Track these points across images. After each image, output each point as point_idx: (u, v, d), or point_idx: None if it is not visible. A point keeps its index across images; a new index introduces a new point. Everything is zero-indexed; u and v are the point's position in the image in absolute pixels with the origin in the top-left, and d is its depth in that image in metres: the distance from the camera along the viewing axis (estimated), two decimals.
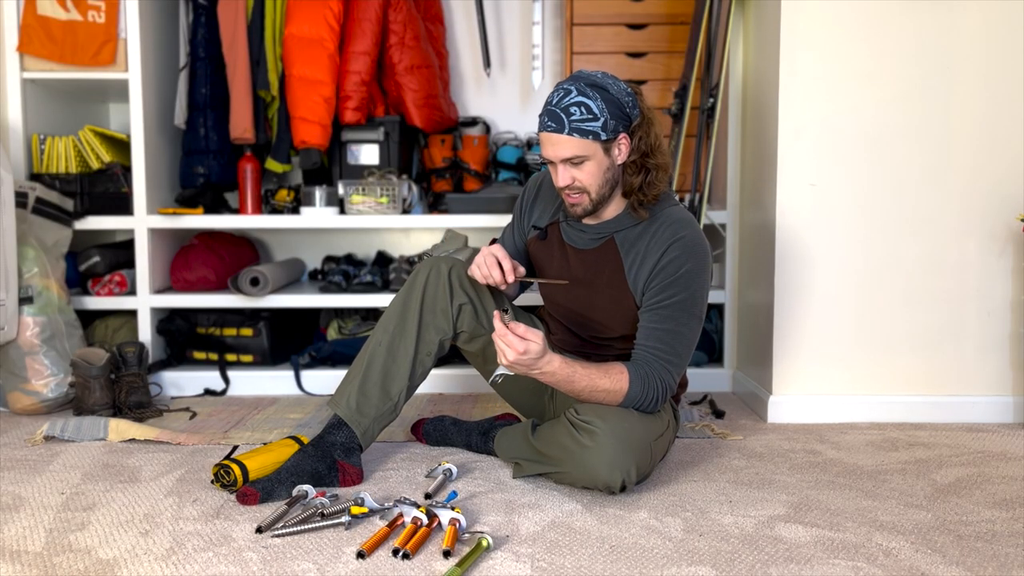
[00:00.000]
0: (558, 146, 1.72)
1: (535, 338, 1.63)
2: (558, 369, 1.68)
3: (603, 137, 1.71)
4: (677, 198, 1.96)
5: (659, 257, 1.77)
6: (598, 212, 1.83)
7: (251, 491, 1.70)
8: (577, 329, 1.95)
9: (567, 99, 1.70)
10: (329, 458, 1.80)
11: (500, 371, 1.75)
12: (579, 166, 1.74)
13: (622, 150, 1.76)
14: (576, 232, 1.89)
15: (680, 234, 1.77)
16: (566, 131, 1.70)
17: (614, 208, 1.84)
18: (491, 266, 1.83)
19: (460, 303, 1.90)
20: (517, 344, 1.61)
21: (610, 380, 1.72)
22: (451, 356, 2.72)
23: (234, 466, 1.77)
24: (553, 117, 1.71)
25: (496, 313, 1.64)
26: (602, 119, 1.70)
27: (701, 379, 2.79)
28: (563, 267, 1.92)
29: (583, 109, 1.69)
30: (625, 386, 1.72)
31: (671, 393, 1.79)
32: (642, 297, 1.80)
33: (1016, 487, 1.82)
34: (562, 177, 1.75)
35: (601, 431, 1.67)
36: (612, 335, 1.90)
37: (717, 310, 2.93)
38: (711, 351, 2.91)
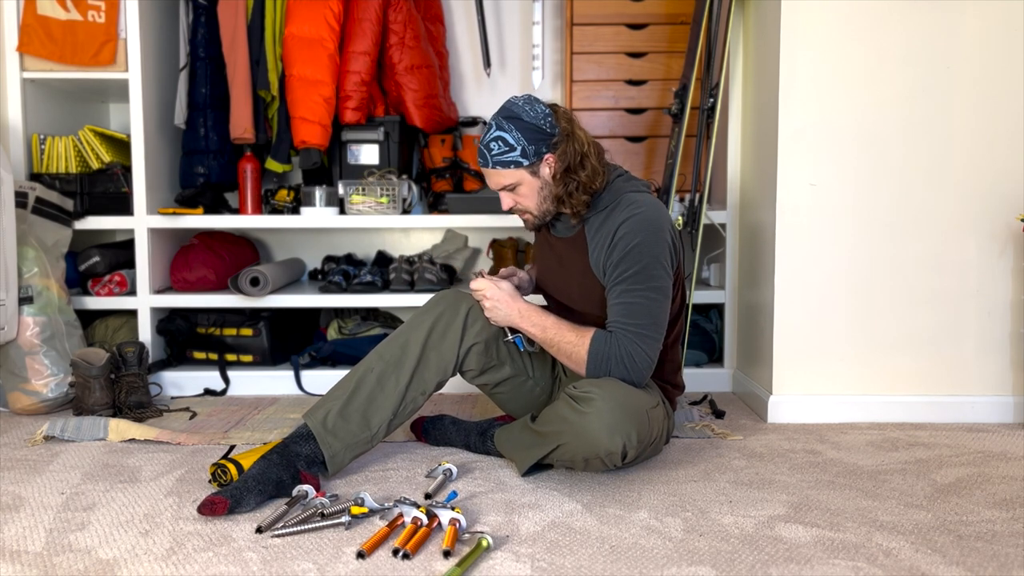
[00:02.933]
0: (490, 178, 1.90)
1: (502, 281, 1.90)
2: (535, 310, 1.88)
3: (525, 163, 1.85)
4: (652, 188, 2.05)
5: (613, 235, 1.84)
6: (556, 217, 1.96)
7: (219, 499, 1.62)
8: (565, 316, 1.98)
9: (487, 136, 1.86)
10: (293, 468, 1.76)
11: (509, 337, 1.95)
12: (515, 191, 1.90)
13: (552, 167, 1.87)
14: (560, 224, 1.99)
15: (634, 212, 1.84)
16: (490, 165, 1.87)
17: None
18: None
19: (471, 344, 1.93)
20: (489, 283, 1.88)
21: (576, 334, 1.83)
22: None
23: (230, 466, 1.77)
24: (480, 154, 1.88)
25: (473, 276, 1.94)
26: (519, 147, 1.84)
27: (701, 379, 2.79)
28: (550, 256, 2.02)
29: (500, 143, 1.84)
30: (588, 340, 1.80)
31: (646, 367, 1.80)
32: (603, 274, 1.87)
33: (1016, 487, 1.82)
34: (504, 202, 1.93)
35: (599, 397, 1.70)
36: (592, 320, 1.93)
37: (717, 310, 2.93)
38: (711, 351, 2.91)
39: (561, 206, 1.90)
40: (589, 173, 1.87)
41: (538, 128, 1.84)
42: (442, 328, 1.91)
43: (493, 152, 1.85)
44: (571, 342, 1.82)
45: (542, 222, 1.96)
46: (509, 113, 1.86)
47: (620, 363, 1.78)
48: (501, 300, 1.88)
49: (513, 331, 1.94)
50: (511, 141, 1.83)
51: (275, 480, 1.72)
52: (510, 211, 1.95)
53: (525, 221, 1.98)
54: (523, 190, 1.88)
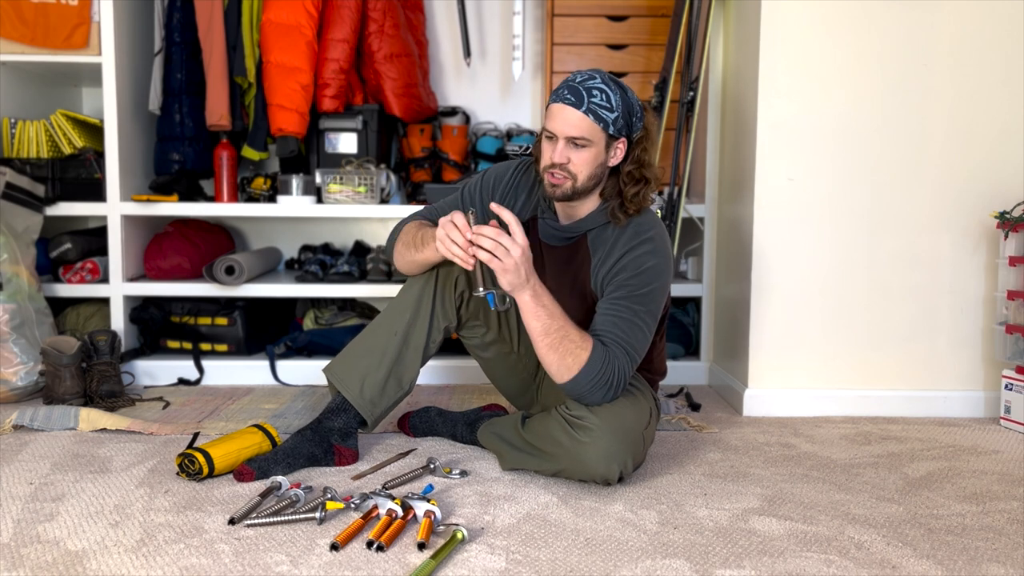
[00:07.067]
0: (569, 121, 1.70)
1: (519, 235, 1.66)
2: (546, 291, 1.71)
3: (610, 131, 1.73)
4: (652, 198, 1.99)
5: (624, 252, 1.78)
6: (573, 207, 1.84)
7: (247, 469, 1.76)
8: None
9: (591, 81, 1.72)
10: (326, 442, 1.87)
11: (481, 292, 1.70)
12: (579, 149, 1.72)
13: (617, 153, 1.78)
14: (552, 230, 1.89)
15: (648, 233, 1.79)
16: (583, 108, 1.70)
17: (588, 206, 1.84)
18: (453, 237, 1.67)
19: (461, 290, 1.92)
20: (517, 237, 1.64)
21: (581, 337, 1.68)
22: None
23: (198, 455, 1.75)
24: (574, 92, 1.71)
25: (471, 213, 1.67)
26: (616, 113, 1.72)
27: (677, 372, 2.80)
28: (537, 263, 1.90)
29: (604, 96, 1.71)
30: (589, 350, 1.67)
31: (623, 386, 1.72)
32: (602, 290, 1.80)
33: (986, 481, 1.85)
34: (559, 154, 1.73)
35: (596, 426, 1.67)
36: None
37: (694, 303, 2.94)
38: (687, 344, 2.92)
39: (614, 201, 1.79)
40: (656, 178, 1.81)
41: (632, 112, 1.75)
42: (444, 272, 1.90)
43: (594, 99, 1.70)
44: (575, 343, 1.67)
45: (571, 196, 1.77)
46: (616, 79, 1.75)
47: (607, 384, 1.69)
48: (518, 265, 1.64)
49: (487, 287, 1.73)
50: (613, 103, 1.71)
51: (307, 454, 1.84)
52: (557, 166, 1.73)
53: (554, 186, 1.76)
54: (586, 155, 1.72)
